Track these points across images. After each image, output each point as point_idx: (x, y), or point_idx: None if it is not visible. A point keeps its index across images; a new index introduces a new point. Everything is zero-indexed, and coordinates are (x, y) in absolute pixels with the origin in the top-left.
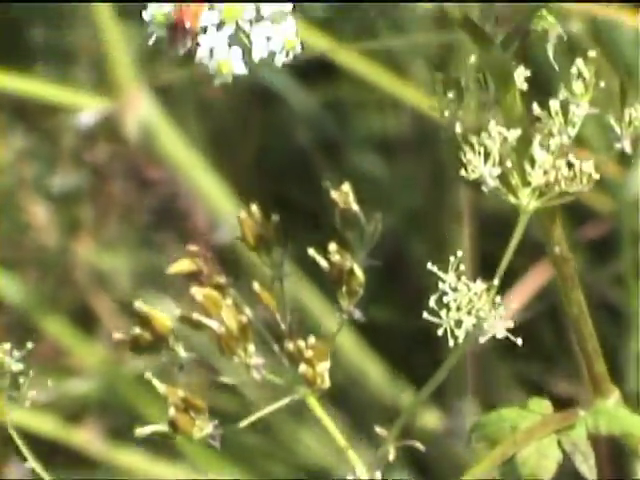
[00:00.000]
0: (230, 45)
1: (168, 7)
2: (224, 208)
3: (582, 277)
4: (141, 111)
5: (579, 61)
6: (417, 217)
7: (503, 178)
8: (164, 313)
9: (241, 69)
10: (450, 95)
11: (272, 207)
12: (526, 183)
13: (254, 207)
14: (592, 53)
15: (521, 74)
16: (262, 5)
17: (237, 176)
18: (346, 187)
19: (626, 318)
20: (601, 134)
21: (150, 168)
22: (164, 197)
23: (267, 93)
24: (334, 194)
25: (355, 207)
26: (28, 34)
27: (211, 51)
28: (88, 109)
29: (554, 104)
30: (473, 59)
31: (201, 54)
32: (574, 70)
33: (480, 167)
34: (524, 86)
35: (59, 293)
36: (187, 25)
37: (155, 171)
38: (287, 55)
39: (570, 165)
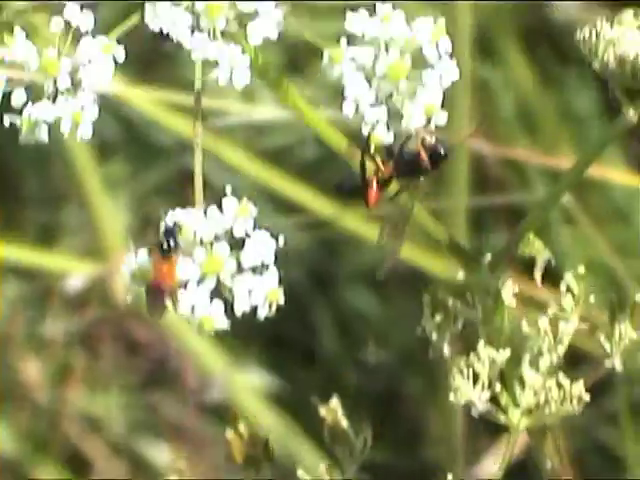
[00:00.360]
0: (212, 299)
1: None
2: (215, 366)
3: (576, 419)
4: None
5: (568, 276)
6: (411, 352)
7: (493, 398)
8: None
9: (223, 324)
10: (438, 317)
11: (267, 346)
12: (516, 403)
13: (242, 426)
14: (581, 269)
15: (509, 291)
16: (243, 257)
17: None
18: (334, 403)
19: (620, 460)
20: (598, 279)
21: (139, 330)
22: (154, 358)
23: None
24: (322, 411)
25: (344, 423)
26: (20, 182)
27: (192, 307)
28: (77, 272)
29: (543, 322)
30: (461, 278)
31: (183, 309)
32: (563, 286)
33: (469, 391)
34: (513, 303)
35: (51, 439)
36: (164, 285)
37: (144, 333)
38: (270, 308)
39: (560, 386)
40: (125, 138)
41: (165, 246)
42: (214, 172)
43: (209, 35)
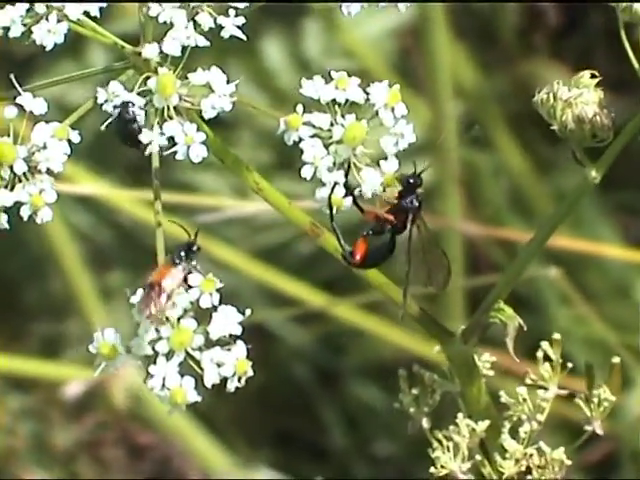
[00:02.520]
0: (181, 374)
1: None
2: (218, 466)
3: None
4: (129, 378)
5: (544, 344)
6: (421, 445)
7: (474, 468)
8: None
9: (195, 397)
10: (414, 391)
11: (276, 443)
12: (498, 473)
13: None
14: (557, 336)
15: (486, 360)
16: (211, 330)
17: (240, 413)
18: None
19: None
20: (597, 357)
21: (141, 434)
22: (157, 460)
23: (263, 331)
24: None
25: None
26: (23, 292)
27: (163, 381)
28: (77, 379)
29: (521, 391)
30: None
31: (153, 384)
32: (539, 353)
33: (450, 463)
34: (490, 372)
35: None
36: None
37: (146, 436)
38: (239, 380)
39: (541, 452)
40: (121, 244)
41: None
42: (208, 270)
43: (162, 114)
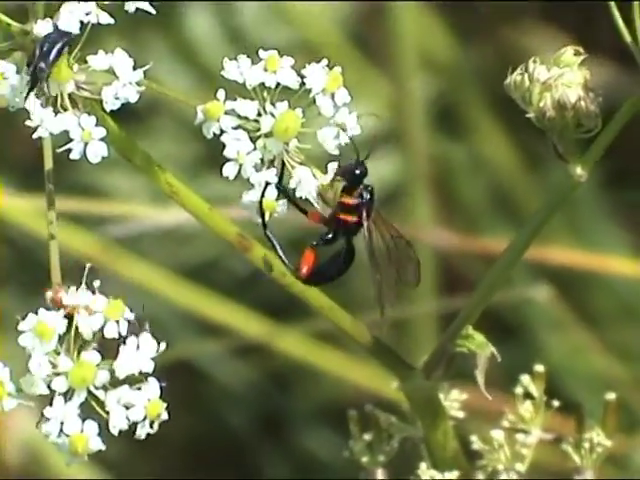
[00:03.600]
0: (83, 418)
1: None
2: None
3: None
4: (23, 428)
5: (525, 378)
6: None
7: None
8: None
9: (98, 445)
10: (368, 436)
11: None
12: None
13: None
14: (540, 368)
15: (454, 399)
16: (117, 366)
17: (164, 469)
18: None
19: None
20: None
21: None
22: None
23: (191, 367)
24: None
25: None
26: None
27: (60, 426)
28: None
29: (497, 435)
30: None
31: (48, 429)
32: (519, 390)
33: None
34: (459, 414)
35: None
36: None
37: None
38: (152, 425)
39: None
40: (13, 261)
41: None
42: (119, 293)
43: (56, 103)
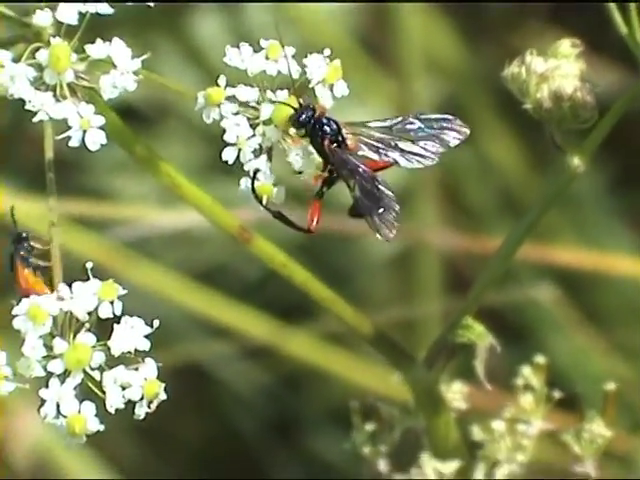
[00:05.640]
0: (79, 398)
1: None
2: None
3: None
4: (32, 433)
5: (526, 369)
6: None
7: None
8: None
9: (96, 425)
10: (370, 427)
11: None
12: None
13: None
14: (541, 359)
15: (457, 391)
16: (113, 344)
17: (176, 469)
18: None
19: None
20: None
21: None
22: None
23: (201, 371)
24: None
25: None
26: None
27: (57, 407)
28: None
29: (498, 426)
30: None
31: (46, 411)
32: (520, 381)
33: None
34: (462, 405)
35: None
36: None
37: None
38: (149, 405)
39: None
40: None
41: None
42: (127, 297)
43: (55, 92)
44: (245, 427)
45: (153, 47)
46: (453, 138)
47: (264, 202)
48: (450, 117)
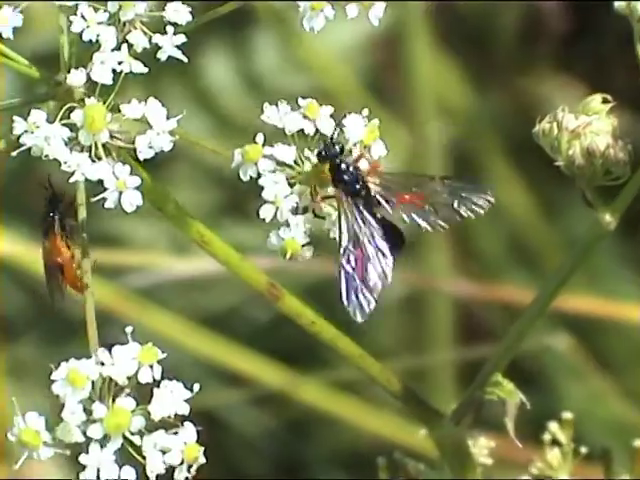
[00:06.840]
0: (119, 463)
1: None
2: None
3: None
4: None
5: (553, 425)
6: None
7: None
8: None
9: None
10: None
11: None
12: None
13: None
14: (567, 415)
15: (483, 447)
16: (152, 409)
17: None
18: None
19: None
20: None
21: None
22: None
23: (211, 417)
24: None
25: None
26: None
27: (97, 473)
28: None
29: None
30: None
31: (87, 476)
32: (547, 437)
33: None
34: (488, 460)
35: None
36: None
37: None
38: (189, 469)
39: None
40: (34, 311)
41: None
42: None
43: (90, 152)
44: (254, 472)
45: (163, 91)
46: (479, 207)
47: (288, 256)
48: (477, 185)
